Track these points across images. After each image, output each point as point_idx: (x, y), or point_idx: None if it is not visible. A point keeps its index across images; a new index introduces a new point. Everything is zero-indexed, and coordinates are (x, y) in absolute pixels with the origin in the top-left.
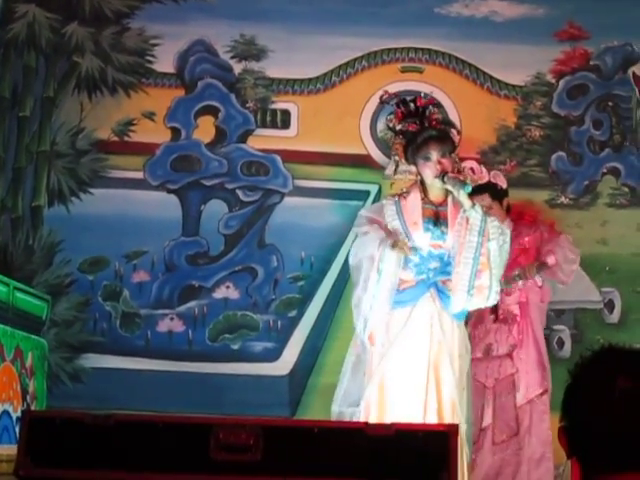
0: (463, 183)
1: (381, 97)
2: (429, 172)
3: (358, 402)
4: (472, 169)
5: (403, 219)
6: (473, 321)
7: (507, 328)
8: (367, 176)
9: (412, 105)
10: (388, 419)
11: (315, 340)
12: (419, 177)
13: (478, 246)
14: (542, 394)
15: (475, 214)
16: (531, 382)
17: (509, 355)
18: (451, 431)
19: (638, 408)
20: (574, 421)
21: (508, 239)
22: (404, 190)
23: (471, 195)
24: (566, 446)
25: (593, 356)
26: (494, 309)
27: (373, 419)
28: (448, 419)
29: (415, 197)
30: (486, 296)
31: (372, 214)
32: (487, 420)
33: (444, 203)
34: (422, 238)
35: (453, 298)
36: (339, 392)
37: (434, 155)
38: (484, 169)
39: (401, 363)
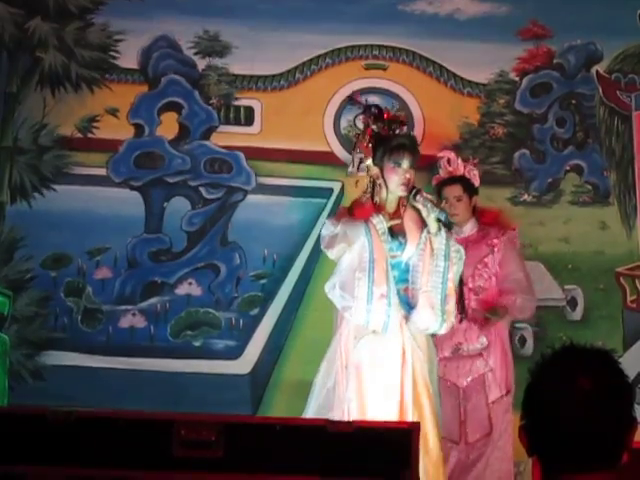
0: (438, 208)
1: (350, 96)
2: (396, 178)
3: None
4: (449, 160)
5: None
6: None
7: (477, 327)
8: (330, 173)
9: (384, 113)
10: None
11: (277, 338)
12: (378, 181)
13: (445, 271)
14: (506, 394)
15: (440, 239)
16: (497, 382)
17: (480, 355)
18: (413, 429)
19: (597, 409)
20: (534, 420)
21: (462, 262)
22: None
23: (443, 186)
24: (527, 445)
25: (554, 355)
26: (462, 309)
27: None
28: (430, 426)
29: (369, 210)
30: (452, 322)
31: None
32: (461, 420)
33: (396, 214)
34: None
35: (421, 319)
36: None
37: (405, 163)
38: (460, 161)
39: (376, 375)
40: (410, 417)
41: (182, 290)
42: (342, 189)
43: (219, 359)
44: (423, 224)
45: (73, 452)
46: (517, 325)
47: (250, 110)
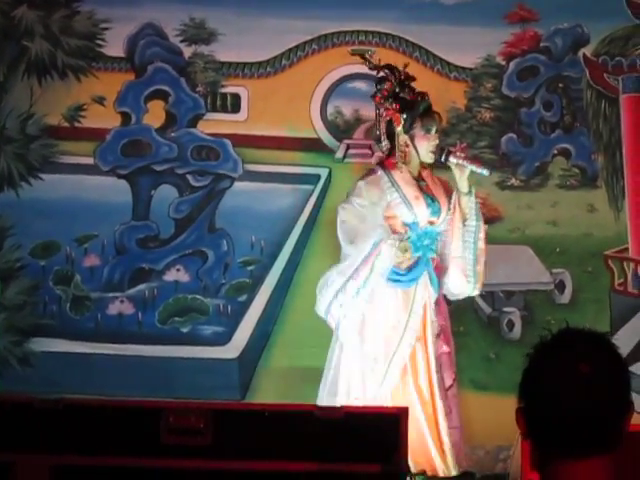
0: (477, 164)
1: (358, 54)
2: (427, 145)
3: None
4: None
5: (402, 192)
6: None
7: (437, 309)
8: (318, 160)
9: (402, 74)
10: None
11: (265, 324)
12: (408, 149)
13: (477, 230)
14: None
15: (472, 198)
16: (449, 366)
17: (439, 335)
18: (401, 414)
19: (596, 394)
20: (532, 405)
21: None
22: (394, 161)
23: None
24: (523, 428)
25: (552, 339)
26: None
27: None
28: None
29: (405, 170)
30: (482, 283)
31: (371, 185)
32: None
33: (420, 178)
34: (423, 213)
35: (454, 284)
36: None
37: (434, 128)
38: None
39: (404, 345)
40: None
41: (170, 277)
42: (329, 175)
43: (207, 345)
44: (444, 187)
45: (61, 440)
46: (505, 309)
47: (237, 97)
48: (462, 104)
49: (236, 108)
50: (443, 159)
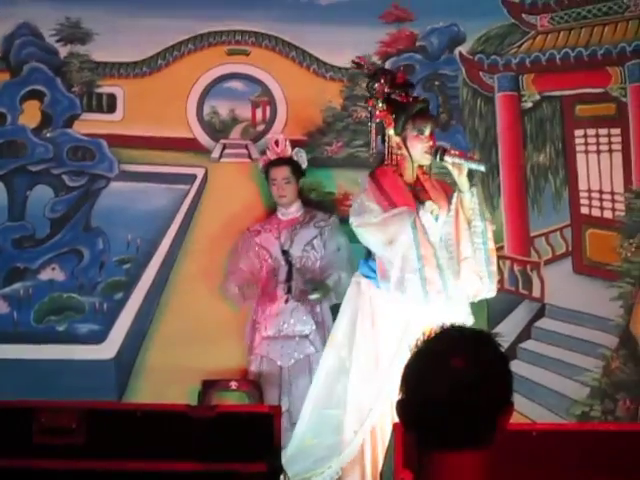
0: (472, 160)
1: (354, 62)
2: (420, 146)
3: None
4: (277, 141)
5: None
6: (263, 298)
7: (304, 308)
8: (194, 160)
9: (396, 77)
10: None
11: (141, 323)
12: (401, 151)
13: (484, 231)
14: None
15: (473, 197)
16: None
17: (306, 336)
18: (274, 413)
19: (468, 388)
20: (409, 397)
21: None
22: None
23: (271, 167)
24: (402, 420)
25: (433, 334)
26: (289, 289)
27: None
28: None
29: (396, 179)
30: (497, 284)
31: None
32: (286, 402)
33: (417, 184)
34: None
35: (469, 287)
36: (318, 393)
37: (427, 130)
38: (288, 143)
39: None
40: None
41: (45, 275)
42: (205, 175)
43: (83, 343)
44: (446, 191)
45: None
46: None
47: (112, 97)
48: (338, 103)
49: (112, 108)
50: (438, 159)
